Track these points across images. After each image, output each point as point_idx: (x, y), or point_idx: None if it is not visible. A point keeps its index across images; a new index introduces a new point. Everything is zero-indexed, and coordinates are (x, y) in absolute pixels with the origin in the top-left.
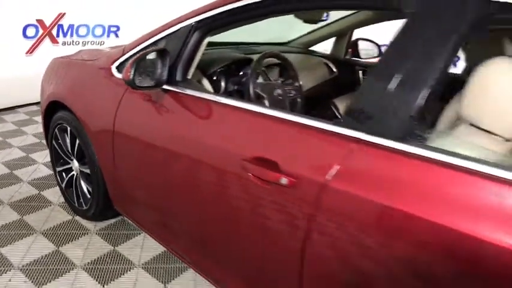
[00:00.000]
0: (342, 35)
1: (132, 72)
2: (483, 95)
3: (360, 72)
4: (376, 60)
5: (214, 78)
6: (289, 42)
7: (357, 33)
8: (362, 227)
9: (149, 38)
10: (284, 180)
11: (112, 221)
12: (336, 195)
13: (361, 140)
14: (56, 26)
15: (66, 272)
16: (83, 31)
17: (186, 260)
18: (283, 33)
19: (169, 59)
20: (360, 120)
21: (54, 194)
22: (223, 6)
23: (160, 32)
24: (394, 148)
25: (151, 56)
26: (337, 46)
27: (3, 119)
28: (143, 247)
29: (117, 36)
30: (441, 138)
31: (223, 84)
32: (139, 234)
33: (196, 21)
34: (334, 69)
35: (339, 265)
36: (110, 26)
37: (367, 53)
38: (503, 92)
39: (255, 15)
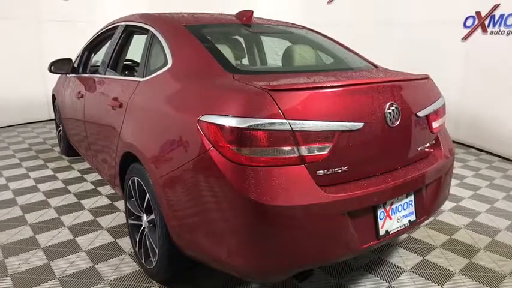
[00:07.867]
0: None
1: (50, 66)
2: None
3: None
4: None
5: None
6: None
7: None
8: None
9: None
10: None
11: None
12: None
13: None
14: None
15: None
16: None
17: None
18: None
19: (72, 63)
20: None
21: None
22: (92, 38)
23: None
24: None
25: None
26: None
27: None
28: None
29: None
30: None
31: None
32: None
33: (85, 46)
34: None
35: None
36: None
37: None
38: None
39: (102, 40)
